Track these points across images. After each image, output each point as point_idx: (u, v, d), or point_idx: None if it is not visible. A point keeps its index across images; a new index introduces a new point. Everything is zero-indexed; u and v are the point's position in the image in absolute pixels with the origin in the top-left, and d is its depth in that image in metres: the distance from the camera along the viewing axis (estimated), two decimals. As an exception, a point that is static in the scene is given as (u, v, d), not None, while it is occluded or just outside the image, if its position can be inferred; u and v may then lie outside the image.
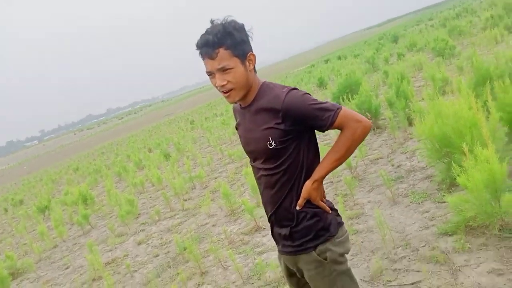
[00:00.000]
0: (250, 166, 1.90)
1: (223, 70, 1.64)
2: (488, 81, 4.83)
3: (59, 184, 19.09)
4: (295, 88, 1.70)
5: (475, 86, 5.36)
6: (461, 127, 3.72)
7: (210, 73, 1.68)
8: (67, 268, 5.97)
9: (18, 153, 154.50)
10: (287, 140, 1.70)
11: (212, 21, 1.67)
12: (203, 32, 1.66)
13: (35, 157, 74.48)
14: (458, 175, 3.01)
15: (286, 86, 1.72)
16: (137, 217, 7.40)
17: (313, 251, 1.75)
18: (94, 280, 5.07)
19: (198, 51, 1.68)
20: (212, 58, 1.63)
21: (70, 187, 13.96)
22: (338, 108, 1.66)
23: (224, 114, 22.66)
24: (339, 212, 1.88)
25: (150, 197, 8.68)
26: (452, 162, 3.53)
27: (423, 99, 6.85)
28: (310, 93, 1.72)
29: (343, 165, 5.51)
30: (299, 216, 1.77)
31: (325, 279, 1.76)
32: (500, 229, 2.99)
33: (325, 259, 1.74)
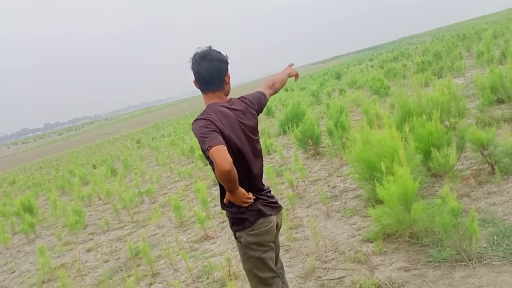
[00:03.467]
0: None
1: None
2: (410, 117, 5.70)
3: (-7, 197, 18.24)
4: (199, 119, 2.17)
5: (400, 121, 6.24)
6: (384, 153, 4.45)
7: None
8: (13, 272, 6.03)
9: None
10: None
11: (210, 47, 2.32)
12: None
13: (-39, 170, 69.36)
14: (379, 189, 3.69)
15: (202, 113, 2.23)
16: (85, 227, 7.54)
17: None
18: (43, 282, 5.24)
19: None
20: None
21: (8, 199, 13.54)
22: (209, 147, 2.00)
23: (173, 135, 22.86)
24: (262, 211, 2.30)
25: (98, 210, 8.81)
26: (376, 182, 4.23)
27: (359, 130, 7.71)
28: (202, 127, 2.11)
29: (286, 183, 6.12)
30: None
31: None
32: (410, 236, 3.68)
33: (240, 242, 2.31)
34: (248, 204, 2.21)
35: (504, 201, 3.92)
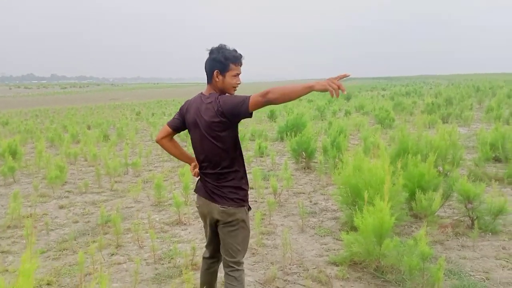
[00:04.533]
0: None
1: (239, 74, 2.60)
2: (406, 154, 5.71)
3: (-18, 133, 18.15)
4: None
5: (396, 156, 6.24)
6: (372, 182, 4.45)
7: (237, 74, 2.56)
8: (-19, 212, 5.99)
9: None
10: None
11: (224, 45, 2.55)
12: (232, 49, 2.54)
13: (-42, 99, 69.03)
14: (356, 217, 3.69)
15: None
16: (64, 184, 7.51)
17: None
18: (9, 227, 5.21)
19: (234, 56, 2.52)
20: (241, 66, 2.58)
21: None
22: None
23: (173, 115, 22.81)
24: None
25: (81, 171, 8.78)
26: (357, 208, 4.23)
27: (354, 155, 7.71)
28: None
29: (270, 189, 6.12)
30: None
31: None
32: (375, 269, 3.68)
33: None
34: (193, 174, 2.81)
35: (475, 257, 3.93)
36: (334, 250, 4.26)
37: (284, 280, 3.65)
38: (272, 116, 17.75)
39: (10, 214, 5.28)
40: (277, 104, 2.38)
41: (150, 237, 4.17)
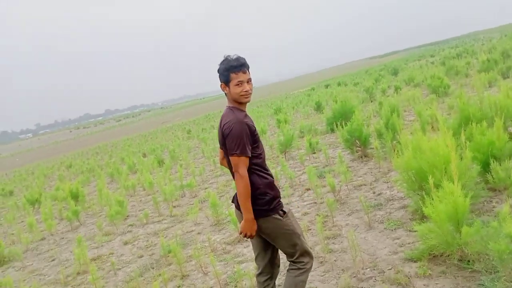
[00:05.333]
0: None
1: (250, 80, 2.61)
2: (469, 122, 5.18)
3: (50, 180, 19.21)
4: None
5: (458, 126, 5.70)
6: (436, 163, 4.02)
7: (241, 82, 2.55)
8: (53, 260, 6.16)
9: (11, 145, 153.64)
10: None
11: (228, 56, 2.59)
12: (232, 57, 2.57)
13: (28, 150, 74.25)
14: (426, 206, 3.30)
15: None
16: (126, 218, 7.61)
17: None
18: (78, 273, 5.28)
19: (232, 66, 2.53)
20: (245, 72, 2.56)
21: (62, 183, 14.12)
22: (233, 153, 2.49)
23: (221, 127, 22.97)
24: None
25: (140, 201, 8.90)
26: (425, 194, 3.83)
27: (411, 133, 7.19)
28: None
29: (328, 187, 5.80)
30: None
31: None
32: (459, 260, 3.27)
33: None
34: None
35: None
36: (409, 244, 3.87)
37: (359, 288, 3.33)
38: (318, 108, 17.29)
39: (77, 259, 5.35)
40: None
41: (212, 262, 4.00)
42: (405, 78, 20.71)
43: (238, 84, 2.54)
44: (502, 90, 6.79)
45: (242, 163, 2.45)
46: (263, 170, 2.61)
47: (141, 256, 5.44)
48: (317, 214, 5.25)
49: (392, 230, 4.29)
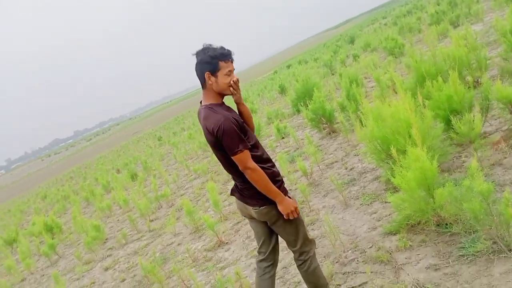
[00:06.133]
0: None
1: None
2: (426, 79, 5.12)
3: (27, 214, 18.58)
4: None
5: (415, 86, 5.65)
6: (398, 128, 3.94)
7: (231, 72, 2.39)
8: (34, 302, 5.89)
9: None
10: None
11: (209, 44, 2.39)
12: (218, 47, 2.36)
13: (2, 188, 71.97)
14: (393, 176, 3.21)
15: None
16: (105, 242, 7.36)
17: None
18: (61, 312, 5.05)
19: (221, 54, 2.34)
20: (232, 62, 2.41)
21: (38, 216, 13.64)
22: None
23: (192, 127, 22.63)
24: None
25: (118, 220, 8.64)
26: (392, 163, 3.74)
27: (372, 101, 7.14)
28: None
29: (300, 172, 5.69)
30: None
31: None
32: (437, 225, 3.20)
33: None
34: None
35: (543, 167, 3.37)
36: (386, 216, 3.79)
37: (343, 274, 3.23)
38: (283, 91, 17.17)
39: (57, 298, 5.11)
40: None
41: (193, 273, 3.83)
42: (361, 45, 20.76)
43: (228, 74, 2.37)
44: (453, 41, 6.78)
45: (247, 157, 2.34)
46: (262, 162, 2.47)
47: (123, 280, 5.23)
48: (293, 202, 5.13)
49: (368, 204, 4.21)
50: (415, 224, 3.35)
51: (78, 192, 16.65)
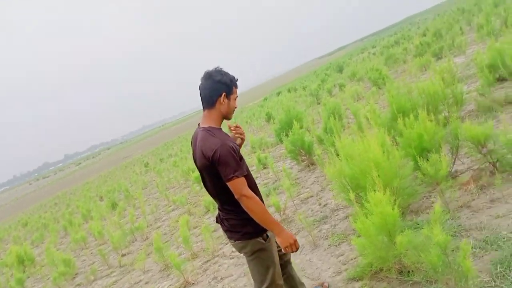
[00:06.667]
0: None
1: None
2: (402, 114, 5.06)
3: (6, 242, 18.08)
4: None
5: (391, 120, 5.61)
6: (366, 168, 3.84)
7: (236, 98, 2.51)
8: None
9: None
10: None
11: (220, 68, 2.48)
12: (226, 72, 2.46)
13: (-14, 213, 70.53)
14: (356, 222, 3.08)
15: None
16: (74, 277, 7.09)
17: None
18: None
19: (235, 79, 2.48)
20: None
21: (16, 245, 13.25)
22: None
23: (179, 154, 22.47)
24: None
25: (91, 253, 8.37)
26: (356, 205, 3.62)
27: (350, 134, 7.08)
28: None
29: (273, 208, 5.55)
30: None
31: None
32: (400, 272, 3.06)
33: None
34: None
35: (510, 211, 3.27)
36: (352, 260, 3.65)
37: (302, 324, 3.06)
38: (269, 119, 17.15)
39: None
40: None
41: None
42: (348, 74, 20.97)
43: (235, 99, 2.51)
44: (430, 76, 6.80)
45: (243, 184, 2.29)
46: (254, 189, 2.45)
47: (86, 322, 4.99)
48: (264, 240, 4.97)
49: (336, 246, 4.07)
50: (378, 271, 3.21)
51: (59, 220, 16.27)
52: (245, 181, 2.30)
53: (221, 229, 6.01)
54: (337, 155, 6.59)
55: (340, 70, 29.53)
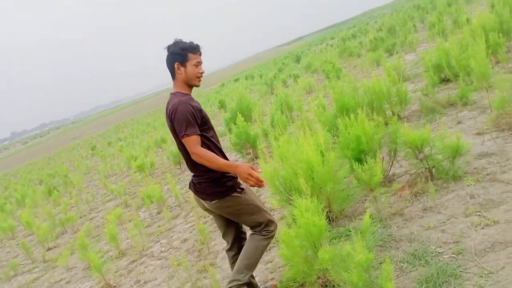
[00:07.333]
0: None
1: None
2: (345, 114, 4.90)
3: None
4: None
5: (334, 118, 5.44)
6: (300, 170, 3.62)
7: (199, 63, 2.57)
8: None
9: None
10: None
11: (179, 39, 2.58)
12: (187, 41, 2.57)
13: None
14: (281, 233, 2.86)
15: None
16: (-6, 272, 6.53)
17: None
18: None
19: (191, 46, 2.53)
20: (201, 55, 2.59)
21: None
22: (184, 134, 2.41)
23: (128, 138, 21.68)
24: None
25: (17, 245, 7.78)
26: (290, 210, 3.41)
27: (295, 130, 6.90)
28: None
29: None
30: None
31: None
32: (325, 286, 2.88)
33: None
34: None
35: (441, 223, 3.15)
36: (280, 268, 3.44)
37: None
38: (222, 106, 16.78)
39: None
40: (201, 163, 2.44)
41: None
42: (304, 65, 20.90)
43: (196, 65, 2.55)
44: (380, 72, 6.70)
45: (194, 142, 2.40)
46: (217, 153, 2.55)
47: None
48: (196, 240, 4.70)
49: (267, 250, 3.84)
50: (302, 284, 3.01)
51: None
52: (197, 139, 2.41)
53: (154, 225, 5.69)
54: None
55: (298, 60, 29.50)
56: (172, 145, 10.39)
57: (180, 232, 5.17)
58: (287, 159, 3.86)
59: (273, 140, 4.65)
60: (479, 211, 3.09)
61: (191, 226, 5.21)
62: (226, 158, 2.60)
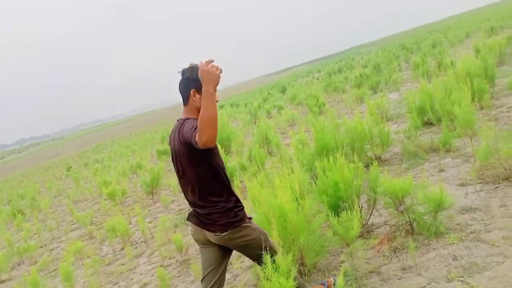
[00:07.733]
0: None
1: None
2: (325, 154, 4.66)
3: None
4: None
5: (313, 158, 5.20)
6: (274, 215, 3.34)
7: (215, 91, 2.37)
8: None
9: None
10: None
11: (196, 64, 2.40)
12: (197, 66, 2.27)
13: None
14: None
15: None
16: None
17: None
18: None
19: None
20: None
21: None
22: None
23: (105, 160, 21.13)
24: None
25: (-31, 275, 7.21)
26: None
27: (273, 167, 6.65)
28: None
29: (174, 246, 4.91)
30: None
31: None
32: None
33: None
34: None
35: (421, 286, 2.87)
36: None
37: None
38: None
39: None
40: (213, 136, 2.05)
41: None
42: (289, 96, 20.87)
43: None
44: (362, 110, 6.53)
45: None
46: (228, 185, 2.52)
47: None
48: (156, 286, 4.30)
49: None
50: None
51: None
52: None
53: (115, 263, 5.26)
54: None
55: (283, 91, 29.59)
56: (146, 173, 9.99)
57: (141, 274, 4.77)
58: (260, 203, 3.58)
59: (247, 181, 4.38)
60: (462, 276, 2.82)
61: (153, 268, 4.82)
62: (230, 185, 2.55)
